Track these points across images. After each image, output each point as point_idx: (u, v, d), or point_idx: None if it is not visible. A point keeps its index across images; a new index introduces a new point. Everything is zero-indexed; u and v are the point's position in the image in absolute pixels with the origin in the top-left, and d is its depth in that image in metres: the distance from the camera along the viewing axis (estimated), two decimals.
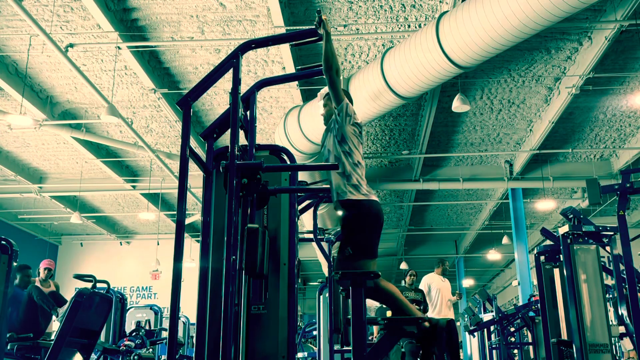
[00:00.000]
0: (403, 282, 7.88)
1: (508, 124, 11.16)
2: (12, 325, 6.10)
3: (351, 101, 3.48)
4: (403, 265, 19.55)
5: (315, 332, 9.89)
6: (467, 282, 23.06)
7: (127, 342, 7.62)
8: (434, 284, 7.97)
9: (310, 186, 4.67)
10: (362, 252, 3.06)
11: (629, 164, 12.13)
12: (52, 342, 5.25)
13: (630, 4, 7.29)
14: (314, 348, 10.45)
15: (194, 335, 3.30)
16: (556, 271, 6.35)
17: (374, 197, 3.19)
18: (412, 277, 7.75)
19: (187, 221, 14.87)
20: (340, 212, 3.17)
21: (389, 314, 9.11)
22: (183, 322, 12.35)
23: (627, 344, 7.11)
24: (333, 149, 3.26)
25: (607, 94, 10.03)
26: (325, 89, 3.53)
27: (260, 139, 10.98)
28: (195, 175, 10.03)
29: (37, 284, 6.94)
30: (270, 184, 2.99)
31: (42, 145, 11.86)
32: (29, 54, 8.40)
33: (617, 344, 7.91)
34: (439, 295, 7.91)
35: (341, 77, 3.26)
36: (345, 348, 5.58)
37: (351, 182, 3.15)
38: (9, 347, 5.69)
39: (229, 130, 2.81)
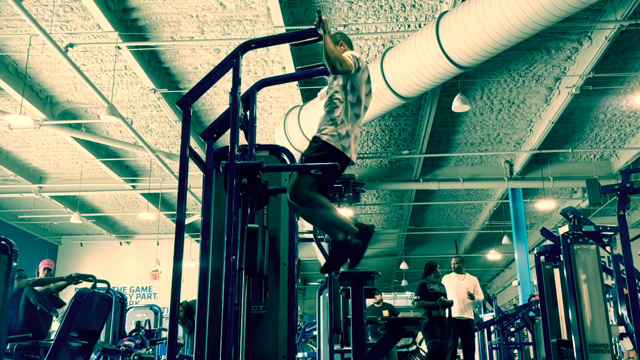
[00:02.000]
0: (430, 276, 7.59)
1: (508, 124, 11.16)
2: (13, 328, 6.09)
3: (350, 46, 3.43)
4: (403, 265, 19.56)
5: (315, 332, 9.89)
6: None
7: (127, 342, 7.62)
8: (450, 284, 7.71)
9: None
10: (308, 173, 3.02)
11: (629, 164, 12.12)
12: (52, 342, 5.25)
13: (630, 4, 7.29)
14: (314, 348, 10.44)
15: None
16: (556, 271, 6.35)
17: (350, 155, 3.14)
18: (438, 270, 7.48)
19: (187, 221, 14.87)
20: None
21: (385, 313, 8.89)
22: None
23: (626, 344, 7.11)
24: (335, 94, 3.19)
25: (607, 94, 10.03)
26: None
27: (260, 139, 10.98)
28: (195, 175, 10.02)
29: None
30: (270, 184, 2.99)
31: (42, 145, 11.86)
32: (29, 54, 8.40)
33: (616, 344, 7.91)
34: (454, 295, 7.63)
35: (348, 57, 3.17)
36: (345, 348, 5.58)
37: (338, 131, 3.10)
38: (8, 347, 5.69)
39: (229, 130, 2.81)
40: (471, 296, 7.57)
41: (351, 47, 3.40)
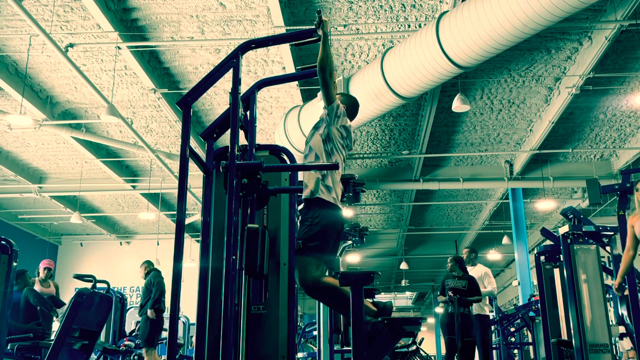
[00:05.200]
0: (448, 270, 7.21)
1: (508, 124, 11.16)
2: (14, 328, 6.09)
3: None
4: (403, 265, 19.55)
5: (315, 332, 9.89)
6: None
7: (127, 342, 7.63)
8: None
9: None
10: (310, 249, 3.05)
11: (629, 164, 12.12)
12: (52, 342, 5.25)
13: (630, 4, 7.29)
14: (314, 348, 10.44)
15: (194, 335, 3.30)
16: (556, 271, 6.36)
17: (340, 205, 3.21)
18: (449, 264, 7.13)
19: (187, 221, 14.87)
20: (301, 207, 3.20)
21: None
22: (183, 322, 12.35)
23: (625, 343, 7.11)
24: (316, 146, 3.27)
25: (607, 94, 10.03)
26: None
27: (260, 139, 10.98)
28: (195, 175, 10.03)
29: (37, 284, 6.93)
30: (270, 184, 2.99)
31: (42, 145, 11.86)
32: (29, 54, 8.40)
33: (616, 344, 7.91)
34: None
35: (335, 79, 3.26)
36: (345, 348, 5.58)
37: (325, 183, 3.16)
38: (9, 347, 5.69)
39: (229, 130, 2.81)
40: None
41: (354, 114, 3.46)
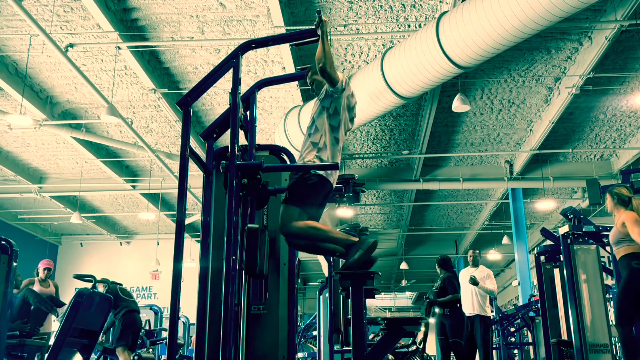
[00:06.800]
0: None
1: (508, 124, 11.16)
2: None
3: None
4: (403, 265, 19.56)
5: (315, 332, 9.89)
6: None
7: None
8: (462, 279, 7.28)
9: None
10: (296, 200, 3.03)
11: (629, 164, 12.12)
12: (44, 340, 5.25)
13: (630, 4, 7.29)
14: (314, 348, 10.44)
15: (194, 335, 3.30)
16: (556, 271, 6.36)
17: (332, 179, 3.14)
18: (437, 268, 7.24)
19: (187, 221, 14.87)
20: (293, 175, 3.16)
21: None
22: (183, 322, 12.35)
23: None
24: (318, 118, 3.22)
25: (607, 94, 10.03)
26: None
27: (260, 139, 10.98)
28: (195, 175, 10.03)
29: (36, 284, 6.93)
30: (270, 184, 2.99)
31: (42, 145, 11.86)
32: (29, 54, 8.40)
33: (616, 344, 7.90)
34: (466, 289, 7.17)
35: (335, 70, 3.20)
36: (345, 348, 5.58)
37: (320, 156, 3.12)
38: None
39: (229, 130, 2.81)
40: (473, 280, 7.00)
41: None
